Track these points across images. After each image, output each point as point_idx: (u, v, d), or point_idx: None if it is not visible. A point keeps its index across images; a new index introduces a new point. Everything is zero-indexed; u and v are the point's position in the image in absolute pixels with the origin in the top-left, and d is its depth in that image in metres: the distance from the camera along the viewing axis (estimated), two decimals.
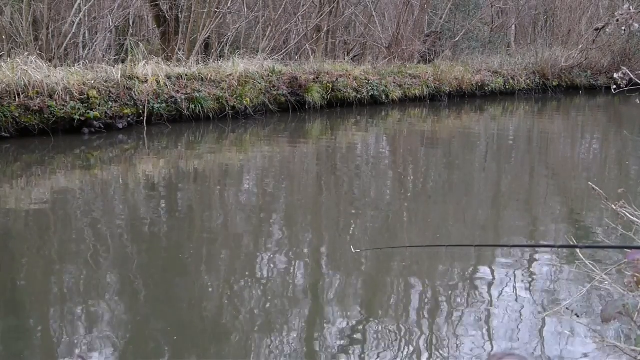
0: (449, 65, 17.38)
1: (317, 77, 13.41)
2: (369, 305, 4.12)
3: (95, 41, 12.81)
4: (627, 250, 2.12)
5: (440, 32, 20.00)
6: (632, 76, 3.10)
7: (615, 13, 3.31)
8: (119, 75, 10.21)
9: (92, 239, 5.13)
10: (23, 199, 6.36)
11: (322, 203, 6.84)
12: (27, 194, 6.55)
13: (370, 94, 14.38)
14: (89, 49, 12.56)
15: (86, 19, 12.75)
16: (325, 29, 16.12)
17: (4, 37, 11.28)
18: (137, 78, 10.42)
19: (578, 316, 3.77)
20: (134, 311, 3.93)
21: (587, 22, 21.81)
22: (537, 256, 5.00)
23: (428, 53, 18.69)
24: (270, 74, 12.57)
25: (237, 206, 6.48)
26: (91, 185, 7.08)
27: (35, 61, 9.52)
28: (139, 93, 10.23)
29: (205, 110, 11.04)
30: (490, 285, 4.46)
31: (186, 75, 11.21)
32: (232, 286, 4.37)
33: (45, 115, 9.08)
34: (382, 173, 8.62)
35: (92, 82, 9.83)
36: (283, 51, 14.90)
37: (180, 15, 14.01)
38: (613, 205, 2.99)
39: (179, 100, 10.73)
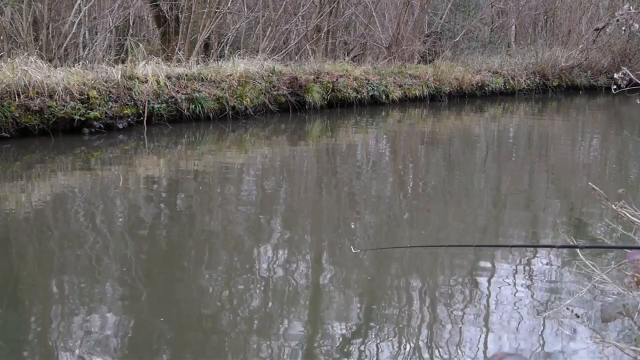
0: (449, 65, 17.38)
1: (317, 77, 13.40)
2: (368, 305, 4.12)
3: (95, 41, 12.80)
4: (627, 250, 2.12)
5: (440, 32, 20.00)
6: (632, 76, 3.10)
7: (615, 13, 3.31)
8: (119, 76, 10.20)
9: (92, 239, 5.12)
10: (23, 199, 6.35)
11: (322, 203, 6.84)
12: (27, 194, 6.55)
13: (370, 94, 14.38)
14: (89, 49, 12.55)
15: (86, 19, 12.76)
16: (325, 29, 16.12)
17: (3, 37, 11.28)
18: (137, 78, 10.42)
19: (578, 316, 3.77)
20: (134, 311, 3.93)
21: (587, 22, 21.81)
22: (537, 256, 5.00)
23: (428, 53, 18.69)
24: (270, 74, 12.57)
25: (237, 206, 6.48)
26: (91, 186, 7.07)
27: (35, 61, 9.52)
28: (139, 93, 10.23)
29: (205, 111, 11.04)
30: (490, 285, 4.45)
31: (186, 75, 11.21)
32: (232, 286, 4.36)
33: (45, 116, 9.08)
34: (382, 173, 8.62)
35: (92, 82, 9.83)
36: (283, 51, 14.90)
37: (180, 16, 14.00)
38: (613, 205, 2.99)
39: (179, 101, 10.73)
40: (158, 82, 10.55)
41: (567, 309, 3.78)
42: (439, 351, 3.55)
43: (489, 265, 4.81)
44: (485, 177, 8.53)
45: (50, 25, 11.70)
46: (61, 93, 9.29)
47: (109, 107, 9.80)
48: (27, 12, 11.17)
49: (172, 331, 3.68)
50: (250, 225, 5.77)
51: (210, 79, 11.45)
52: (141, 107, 10.20)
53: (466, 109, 15.69)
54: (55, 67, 10.21)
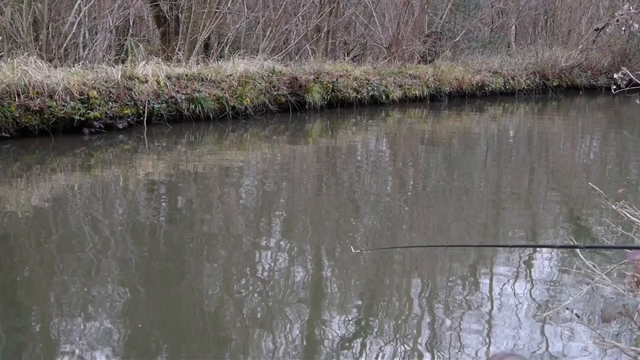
0: (449, 65, 17.38)
1: (317, 78, 13.40)
2: (368, 305, 4.12)
3: (95, 41, 12.80)
4: (627, 250, 2.12)
5: (440, 32, 20.00)
6: (632, 76, 3.10)
7: (615, 13, 3.32)
8: (119, 76, 10.20)
9: (93, 240, 5.12)
10: (23, 199, 6.35)
11: (322, 203, 6.84)
12: (27, 195, 6.55)
13: (370, 94, 14.38)
14: (89, 49, 12.55)
15: (86, 19, 12.75)
16: (325, 29, 16.12)
17: (3, 37, 11.28)
18: (137, 78, 10.42)
19: (578, 316, 3.77)
20: (134, 311, 3.93)
21: (587, 22, 21.81)
22: (537, 256, 5.00)
23: (428, 53, 18.69)
24: (270, 74, 12.57)
25: (237, 206, 6.48)
26: (91, 186, 7.08)
27: (35, 61, 9.51)
28: (139, 93, 10.23)
29: (206, 111, 11.04)
30: (490, 285, 4.46)
31: (186, 75, 11.21)
32: (232, 286, 4.37)
33: (46, 116, 9.08)
34: (382, 173, 8.62)
35: (92, 82, 9.83)
36: (283, 51, 14.89)
37: (180, 16, 14.00)
38: (613, 206, 2.99)
39: (179, 101, 10.73)
40: (158, 82, 10.55)
41: (567, 309, 3.77)
42: (438, 351, 3.55)
43: (489, 265, 4.81)
44: (485, 177, 8.53)
45: (50, 25, 11.70)
46: (61, 93, 9.29)
47: (109, 107, 9.80)
48: (27, 12, 11.16)
49: (172, 331, 3.68)
50: (250, 225, 5.77)
51: (210, 79, 11.45)
52: (141, 107, 10.20)
53: (466, 109, 15.69)
54: (55, 67, 10.22)
